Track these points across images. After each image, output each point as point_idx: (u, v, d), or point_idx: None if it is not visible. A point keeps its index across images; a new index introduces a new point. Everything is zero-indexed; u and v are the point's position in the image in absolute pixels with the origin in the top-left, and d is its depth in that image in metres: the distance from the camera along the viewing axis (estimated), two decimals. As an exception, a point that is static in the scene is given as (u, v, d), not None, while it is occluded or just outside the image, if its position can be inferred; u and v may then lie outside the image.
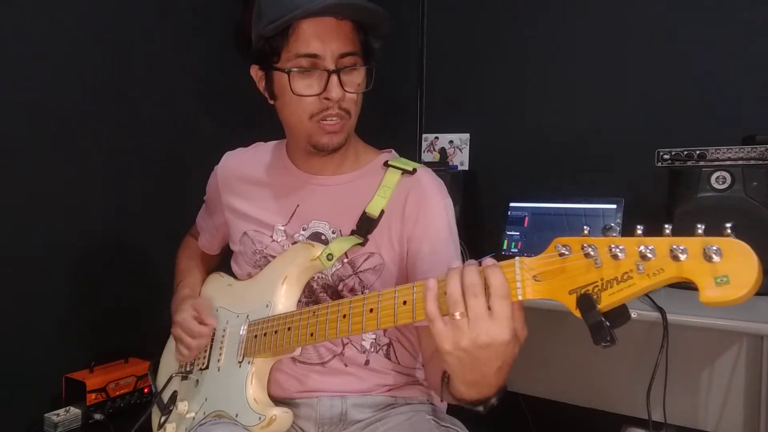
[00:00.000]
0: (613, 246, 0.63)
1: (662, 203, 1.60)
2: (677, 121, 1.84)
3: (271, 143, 1.20)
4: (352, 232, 1.05)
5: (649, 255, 0.61)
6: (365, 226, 1.04)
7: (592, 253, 0.65)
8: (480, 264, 0.75)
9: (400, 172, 1.08)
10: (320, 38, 0.95)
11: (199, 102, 2.12)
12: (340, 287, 1.07)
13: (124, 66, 1.89)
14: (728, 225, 0.58)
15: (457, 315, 0.72)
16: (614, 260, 0.63)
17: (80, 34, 1.78)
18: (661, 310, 1.32)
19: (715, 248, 0.57)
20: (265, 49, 0.99)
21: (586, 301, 0.65)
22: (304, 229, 1.09)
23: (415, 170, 1.09)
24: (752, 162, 1.49)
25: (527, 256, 0.73)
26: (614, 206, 1.75)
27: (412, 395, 1.11)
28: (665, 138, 1.75)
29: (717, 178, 1.51)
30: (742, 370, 1.42)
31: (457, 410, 1.13)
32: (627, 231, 0.66)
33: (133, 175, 1.92)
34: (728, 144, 1.53)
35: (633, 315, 1.31)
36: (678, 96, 1.85)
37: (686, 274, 0.59)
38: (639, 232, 0.63)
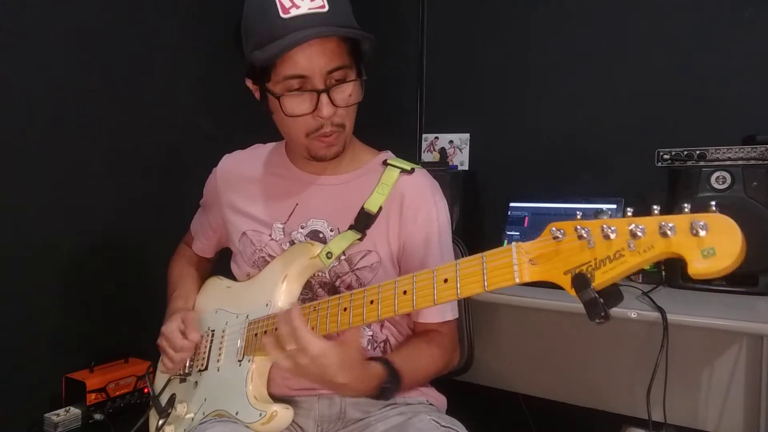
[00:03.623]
0: (605, 227, 0.65)
1: (662, 203, 1.60)
2: (677, 121, 1.84)
3: (270, 144, 1.21)
4: (350, 227, 1.06)
5: (639, 233, 0.63)
6: (363, 221, 1.06)
7: (585, 234, 0.67)
8: None
9: (399, 170, 1.10)
10: (307, 58, 0.93)
11: (199, 102, 2.12)
12: (337, 284, 1.08)
13: (124, 66, 1.89)
14: (713, 203, 0.60)
15: (293, 347, 0.87)
16: (606, 240, 0.66)
17: (80, 33, 1.78)
18: (661, 310, 1.32)
19: (701, 223, 0.59)
20: (255, 68, 0.99)
21: (580, 280, 0.68)
22: (302, 228, 1.10)
23: (413, 170, 1.11)
24: (752, 162, 1.49)
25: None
26: (614, 206, 1.75)
27: (410, 395, 1.11)
28: (665, 138, 1.75)
29: (717, 178, 1.51)
30: (742, 370, 1.42)
31: (457, 410, 1.14)
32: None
33: (133, 175, 1.92)
34: (728, 144, 1.53)
35: (633, 315, 1.33)
36: (678, 96, 1.85)
37: (675, 248, 0.61)
38: (629, 213, 0.66)
